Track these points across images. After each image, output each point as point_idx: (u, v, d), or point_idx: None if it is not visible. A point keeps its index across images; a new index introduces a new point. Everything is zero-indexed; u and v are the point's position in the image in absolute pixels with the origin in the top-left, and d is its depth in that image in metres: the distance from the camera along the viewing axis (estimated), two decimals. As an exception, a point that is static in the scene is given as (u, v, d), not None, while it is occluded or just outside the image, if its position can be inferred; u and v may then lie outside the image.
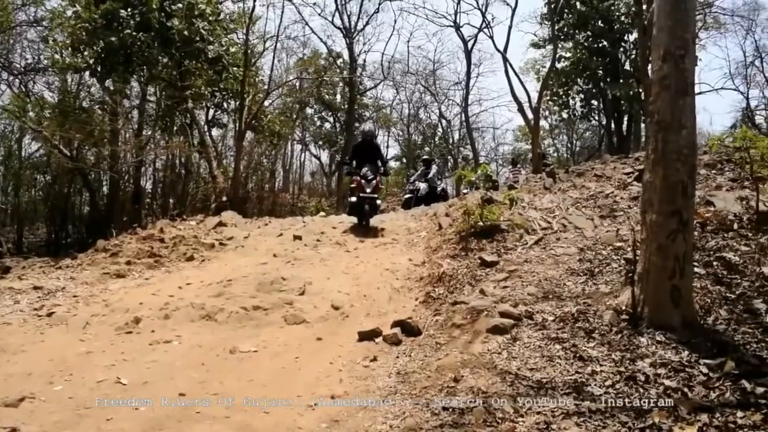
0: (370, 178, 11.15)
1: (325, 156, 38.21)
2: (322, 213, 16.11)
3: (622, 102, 26.28)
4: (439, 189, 16.24)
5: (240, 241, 10.30)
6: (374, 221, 11.31)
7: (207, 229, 11.21)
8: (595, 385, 3.88)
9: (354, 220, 11.41)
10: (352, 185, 11.62)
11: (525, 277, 6.32)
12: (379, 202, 11.66)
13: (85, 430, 3.83)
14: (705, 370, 3.91)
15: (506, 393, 3.91)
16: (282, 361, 5.27)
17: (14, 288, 7.72)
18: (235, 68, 20.37)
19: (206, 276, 8.17)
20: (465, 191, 14.86)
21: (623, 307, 4.89)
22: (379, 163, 11.80)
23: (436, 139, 39.76)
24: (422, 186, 15.76)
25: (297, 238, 10.28)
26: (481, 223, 8.27)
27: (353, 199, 11.24)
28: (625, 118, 28.15)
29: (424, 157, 19.22)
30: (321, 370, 5.00)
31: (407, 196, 16.45)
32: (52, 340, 5.90)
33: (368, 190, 11.03)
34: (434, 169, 16.77)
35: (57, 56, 18.46)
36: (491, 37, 33.46)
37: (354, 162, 11.75)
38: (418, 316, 6.18)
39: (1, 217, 24.03)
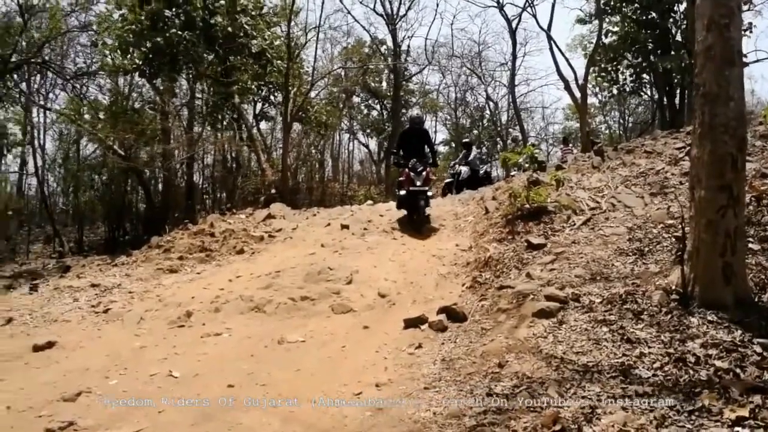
0: (419, 170, 10.52)
1: (373, 144, 38.20)
2: (369, 201, 16.13)
3: (674, 75, 25.39)
4: (481, 172, 15.98)
5: (288, 232, 10.43)
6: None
7: (256, 222, 11.38)
8: (643, 367, 3.80)
9: (403, 212, 10.88)
10: (401, 178, 11.00)
11: (572, 258, 6.21)
12: (430, 193, 10.90)
13: (138, 423, 3.96)
14: (759, 349, 3.76)
15: (551, 378, 3.86)
16: (329, 351, 5.34)
17: (73, 286, 8.04)
18: (279, 61, 20.56)
19: (255, 268, 8.33)
20: (513, 173, 14.66)
21: (673, 287, 4.76)
22: (428, 152, 11.31)
23: (484, 121, 39.29)
24: (463, 169, 15.47)
25: (344, 227, 10.36)
26: (527, 206, 8.16)
27: (402, 192, 10.64)
28: (678, 92, 27.23)
29: (465, 140, 18.96)
30: (367, 358, 5.04)
31: (447, 180, 16.14)
32: (109, 335, 6.14)
33: (418, 183, 10.38)
34: (474, 152, 16.53)
35: (107, 59, 18.94)
36: (534, 16, 33.10)
37: (401, 151, 11.19)
38: (464, 302, 6.16)
39: (62, 217, 24.92)
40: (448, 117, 40.93)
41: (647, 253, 5.86)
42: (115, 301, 7.30)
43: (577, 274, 5.69)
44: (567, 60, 38.23)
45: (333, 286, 7.24)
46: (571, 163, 11.53)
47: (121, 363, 5.22)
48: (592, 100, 32.03)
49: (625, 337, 4.22)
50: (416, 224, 10.30)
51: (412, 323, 5.72)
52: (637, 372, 3.75)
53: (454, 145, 37.33)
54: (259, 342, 5.66)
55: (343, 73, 32.00)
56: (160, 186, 22.81)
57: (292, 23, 21.24)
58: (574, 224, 7.34)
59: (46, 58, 20.10)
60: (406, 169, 10.62)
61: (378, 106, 36.28)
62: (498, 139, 37.51)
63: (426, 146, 11.36)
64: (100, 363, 5.24)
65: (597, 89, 32.15)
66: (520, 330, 4.77)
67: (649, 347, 4.03)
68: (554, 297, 5.11)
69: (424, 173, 10.52)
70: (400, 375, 4.54)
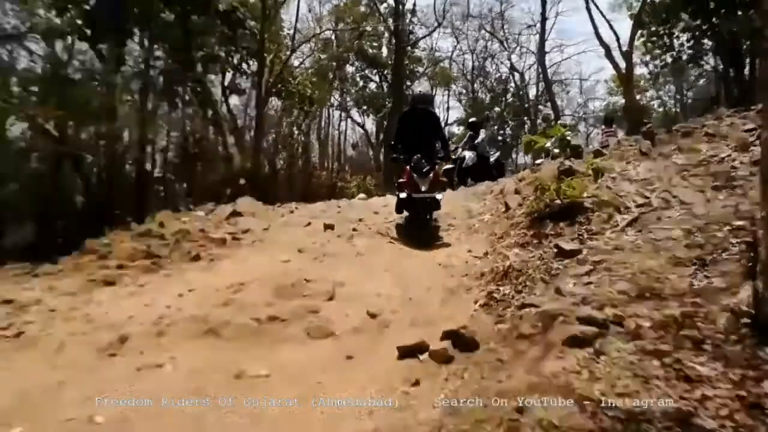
0: (425, 170, 9.96)
1: (370, 123, 38.32)
2: (362, 195, 16.00)
3: (742, 40, 25.25)
4: (492, 159, 15.60)
5: (258, 234, 10.41)
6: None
7: (218, 220, 11.37)
8: (706, 415, 3.58)
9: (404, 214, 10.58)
10: (401, 179, 10.47)
11: (614, 269, 6.00)
12: (439, 197, 10.29)
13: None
14: None
15: (586, 428, 3.65)
16: (299, 389, 5.14)
17: (-21, 303, 7.83)
18: (252, 23, 20.46)
19: (213, 280, 8.22)
20: (540, 160, 14.50)
21: (744, 308, 4.54)
22: (438, 143, 10.64)
23: (508, 96, 39.36)
24: (468, 155, 15.08)
25: (328, 227, 10.37)
26: (558, 201, 8.04)
27: (402, 195, 10.21)
28: (747, 61, 27.08)
29: (471, 119, 18.69)
30: (348, 399, 4.86)
31: (447, 166, 15.20)
32: (19, 368, 5.93)
33: (424, 189, 9.84)
34: (483, 134, 16.21)
35: (39, 19, 18.76)
36: (569, -35, 32.65)
37: (402, 141, 10.56)
38: (477, 325, 5.95)
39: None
40: (464, 90, 41.03)
41: (710, 264, 5.65)
42: (31, 322, 7.09)
43: (621, 289, 5.48)
44: (608, 22, 38.09)
45: (310, 302, 7.10)
46: (614, 149, 11.37)
47: (31, 405, 5.01)
48: (640, 70, 32.03)
49: (683, 374, 4.01)
50: (419, 233, 9.90)
51: (408, 352, 5.54)
52: (698, 421, 3.54)
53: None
54: (212, 376, 5.47)
55: (333, 37, 32.00)
56: (103, 175, 22.68)
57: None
58: (617, 225, 7.16)
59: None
60: (408, 167, 10.17)
61: (376, 78, 36.40)
62: (525, 117, 37.52)
63: (434, 135, 10.70)
64: (4, 404, 5.03)
65: (647, 57, 32.05)
66: (547, 363, 4.57)
67: (714, 388, 3.82)
68: (591, 319, 4.90)
69: (431, 175, 10.06)
70: (390, 423, 4.34)
